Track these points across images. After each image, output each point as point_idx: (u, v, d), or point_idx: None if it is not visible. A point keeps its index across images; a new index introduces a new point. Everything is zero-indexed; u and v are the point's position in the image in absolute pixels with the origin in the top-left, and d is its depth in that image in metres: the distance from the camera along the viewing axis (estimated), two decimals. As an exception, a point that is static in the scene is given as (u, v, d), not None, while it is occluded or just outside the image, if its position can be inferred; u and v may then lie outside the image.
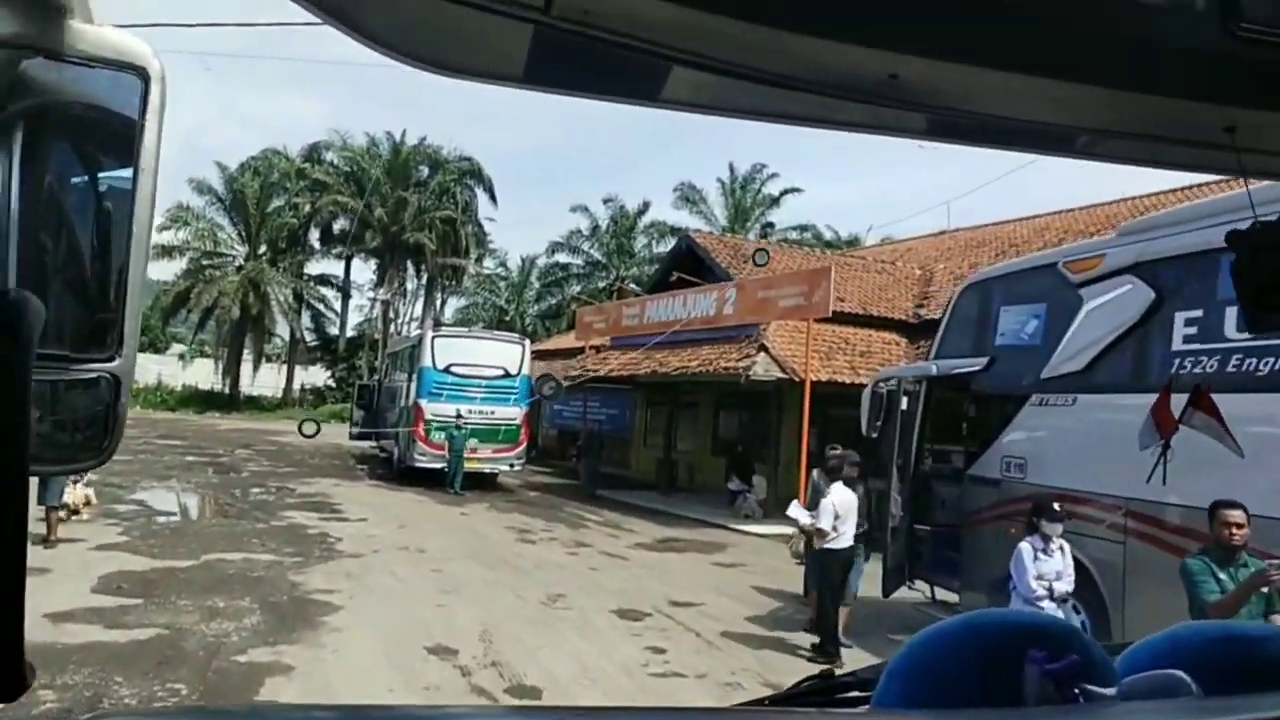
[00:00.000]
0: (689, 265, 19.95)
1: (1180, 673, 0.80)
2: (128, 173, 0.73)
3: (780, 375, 15.45)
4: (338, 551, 11.39)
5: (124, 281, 0.72)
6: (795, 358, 15.92)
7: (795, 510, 8.91)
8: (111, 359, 0.72)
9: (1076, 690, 0.77)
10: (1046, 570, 6.30)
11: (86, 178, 0.76)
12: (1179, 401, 5.90)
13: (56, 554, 9.70)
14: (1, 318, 0.48)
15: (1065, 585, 6.33)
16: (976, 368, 8.18)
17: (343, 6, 0.66)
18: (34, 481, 0.53)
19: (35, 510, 9.95)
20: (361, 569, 10.33)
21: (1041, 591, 6.22)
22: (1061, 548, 6.37)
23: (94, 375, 0.72)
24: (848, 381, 16.09)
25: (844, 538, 7.97)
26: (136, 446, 24.65)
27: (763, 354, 15.63)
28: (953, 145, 0.95)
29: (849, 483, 8.33)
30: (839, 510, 7.94)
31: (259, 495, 16.54)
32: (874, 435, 9.83)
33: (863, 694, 1.18)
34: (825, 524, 7.87)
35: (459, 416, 19.20)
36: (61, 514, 10.42)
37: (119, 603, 8.04)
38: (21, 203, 0.68)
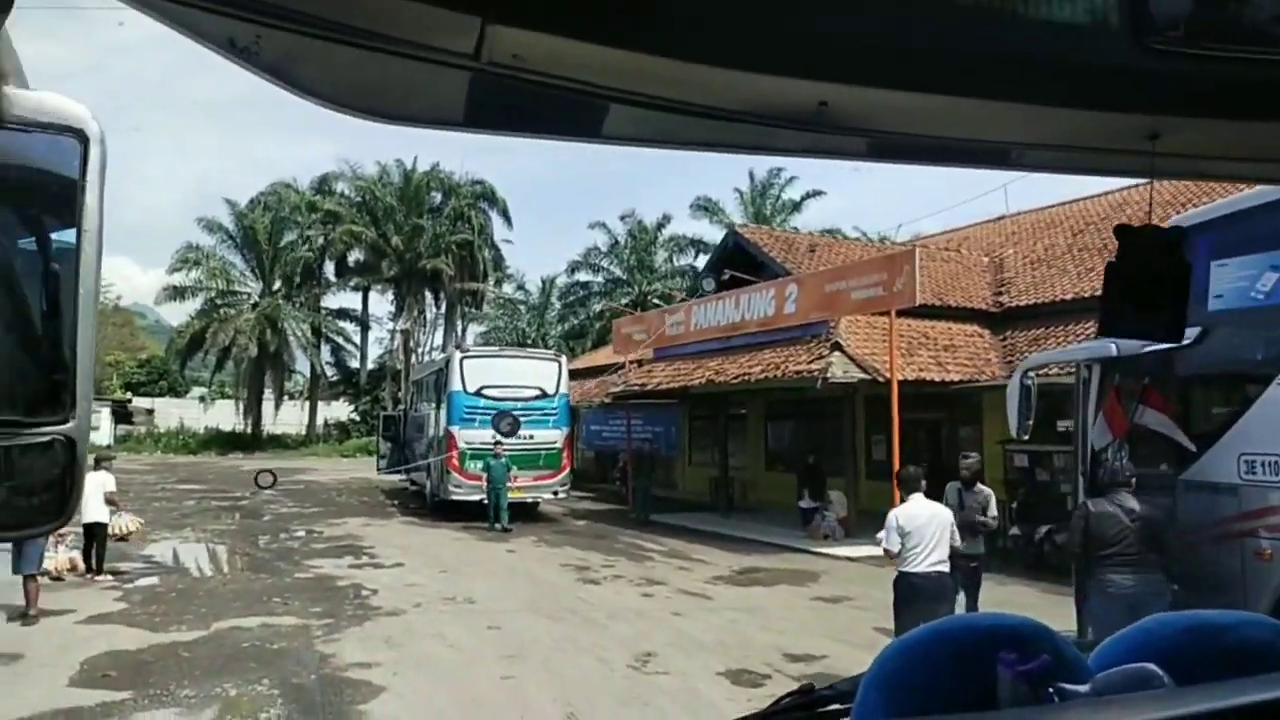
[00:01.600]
0: (739, 265, 18.15)
1: (1152, 665, 0.79)
2: (71, 235, 0.73)
3: (861, 376, 13.60)
4: (373, 608, 9.63)
5: (74, 343, 0.72)
6: (874, 356, 14.08)
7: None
8: (65, 421, 0.71)
9: (1050, 689, 0.77)
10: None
11: (31, 241, 0.76)
12: None
13: (35, 631, 8.03)
14: None
15: None
16: (1184, 342, 6.34)
17: (279, 65, 0.67)
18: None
19: (10, 578, 8.27)
20: (403, 631, 8.56)
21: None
22: None
23: (48, 438, 0.71)
24: (936, 379, 14.24)
25: (920, 559, 6.68)
26: (152, 494, 23.15)
27: (838, 353, 13.79)
28: (891, 165, 0.97)
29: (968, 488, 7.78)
30: (904, 525, 6.72)
31: (282, 541, 14.85)
32: (1025, 437, 8.10)
33: (843, 706, 1.19)
34: (890, 543, 6.79)
35: (497, 443, 17.41)
36: (44, 579, 8.74)
37: (101, 699, 6.30)
38: None
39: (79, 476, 0.74)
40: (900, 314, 13.68)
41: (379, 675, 7.03)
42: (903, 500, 7.08)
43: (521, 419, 18.58)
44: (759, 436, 23.54)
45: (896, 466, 12.81)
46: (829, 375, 13.27)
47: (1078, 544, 6.24)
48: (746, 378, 15.28)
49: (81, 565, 10.58)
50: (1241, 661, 0.82)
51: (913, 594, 6.72)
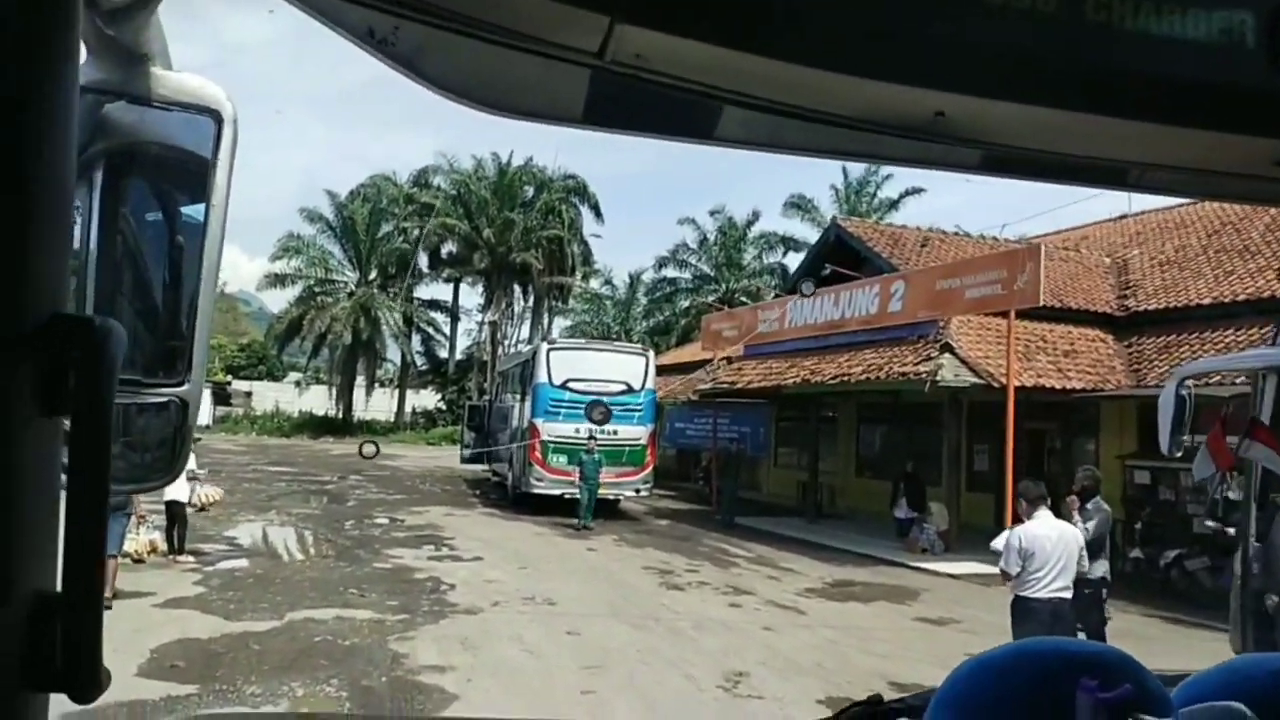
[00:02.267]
0: (840, 260, 17.21)
1: (1239, 705, 0.78)
2: (200, 209, 0.75)
3: (974, 380, 12.60)
4: (450, 605, 9.25)
5: (194, 311, 0.74)
6: (987, 360, 13.06)
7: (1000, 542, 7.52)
8: (181, 384, 0.74)
9: None
10: None
11: (161, 213, 0.79)
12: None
13: (112, 615, 7.84)
14: (88, 344, 0.49)
15: None
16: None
17: (408, 56, 0.69)
18: None
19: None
20: (480, 632, 8.12)
21: None
22: None
23: (164, 399, 0.74)
24: (1056, 386, 13.12)
25: (1040, 584, 6.03)
26: (244, 474, 23.61)
27: (948, 355, 12.82)
28: (1003, 180, 0.96)
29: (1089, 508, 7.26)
30: (1027, 546, 6.04)
31: (364, 528, 14.72)
32: (1178, 454, 7.15)
33: None
34: (1009, 564, 6.11)
35: (592, 439, 16.90)
36: (125, 560, 8.61)
37: (167, 691, 6.02)
38: (101, 235, 0.73)
39: (189, 436, 0.76)
40: (1016, 315, 12.63)
41: (452, 681, 6.59)
42: (1026, 518, 6.28)
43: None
44: (850, 440, 22.52)
45: (1010, 480, 11.82)
46: (939, 379, 12.33)
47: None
48: (846, 379, 14.43)
49: (163, 546, 10.53)
50: None
51: (1029, 619, 6.05)
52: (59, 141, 0.51)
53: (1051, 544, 6.05)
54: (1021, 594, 6.05)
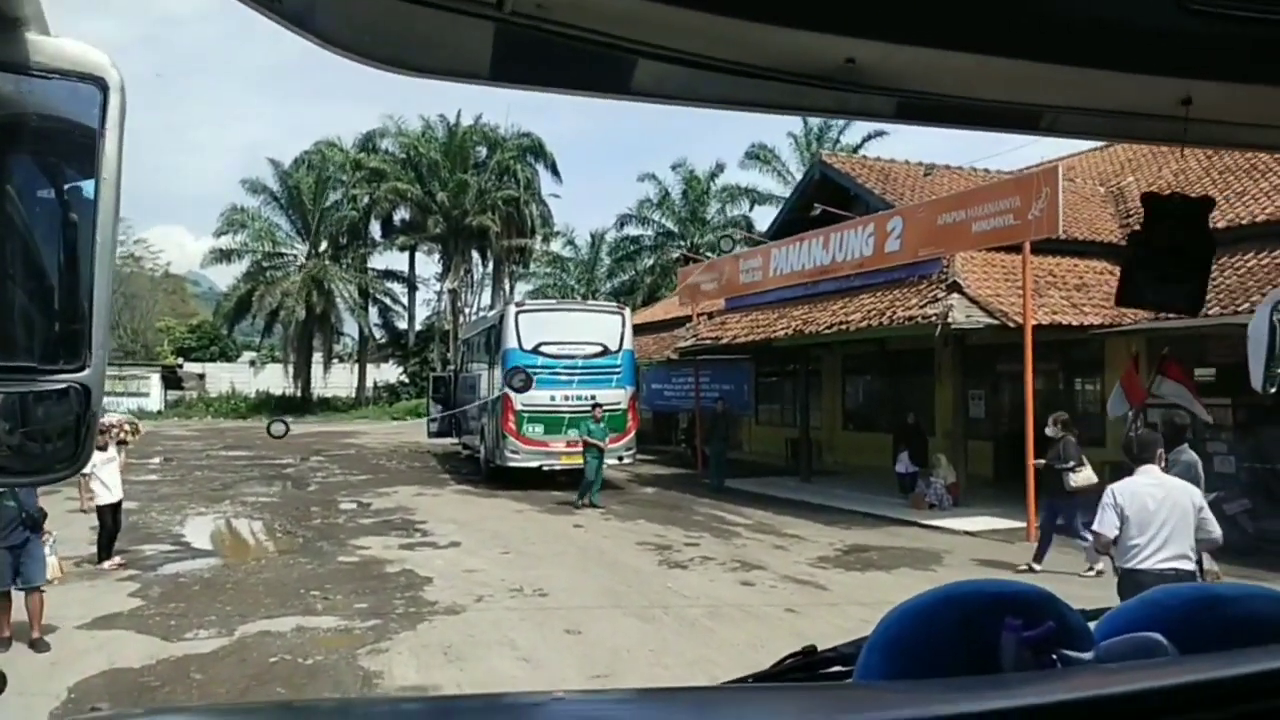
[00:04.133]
0: (826, 201, 16.07)
1: (1156, 635, 0.80)
2: (90, 183, 0.73)
3: (988, 320, 11.59)
4: (428, 604, 8.09)
5: (91, 292, 0.72)
6: (998, 298, 12.06)
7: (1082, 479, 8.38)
8: (81, 369, 0.72)
9: (1054, 656, 0.78)
10: None
11: (49, 189, 0.76)
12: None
13: (20, 652, 6.58)
14: None
15: None
16: None
17: (303, 15, 0.66)
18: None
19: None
20: (465, 638, 6.99)
21: None
22: None
23: (63, 386, 0.72)
24: (1072, 323, 12.19)
25: (1147, 554, 5.02)
26: (196, 461, 22.15)
27: (957, 295, 11.79)
28: (919, 127, 1.05)
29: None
30: (1125, 505, 5.06)
31: (326, 516, 13.47)
32: (1271, 388, 6.21)
33: (845, 669, 1.21)
34: (1103, 526, 5.14)
35: (597, 406, 15.60)
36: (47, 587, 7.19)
37: (79, 750, 4.82)
38: None
39: (93, 424, 0.74)
40: (1021, 250, 11.61)
41: (437, 707, 5.45)
42: (1132, 472, 5.27)
43: (581, 378, 16.92)
44: (835, 393, 21.68)
45: (1031, 426, 10.92)
46: (950, 320, 11.30)
47: None
48: (844, 327, 13.36)
49: (63, 573, 8.86)
50: (1247, 633, 0.82)
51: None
52: None
53: (1155, 503, 5.01)
54: (1126, 566, 5.02)
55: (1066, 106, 0.90)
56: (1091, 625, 0.87)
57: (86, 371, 0.72)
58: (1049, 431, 9.65)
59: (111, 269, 0.73)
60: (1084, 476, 9.32)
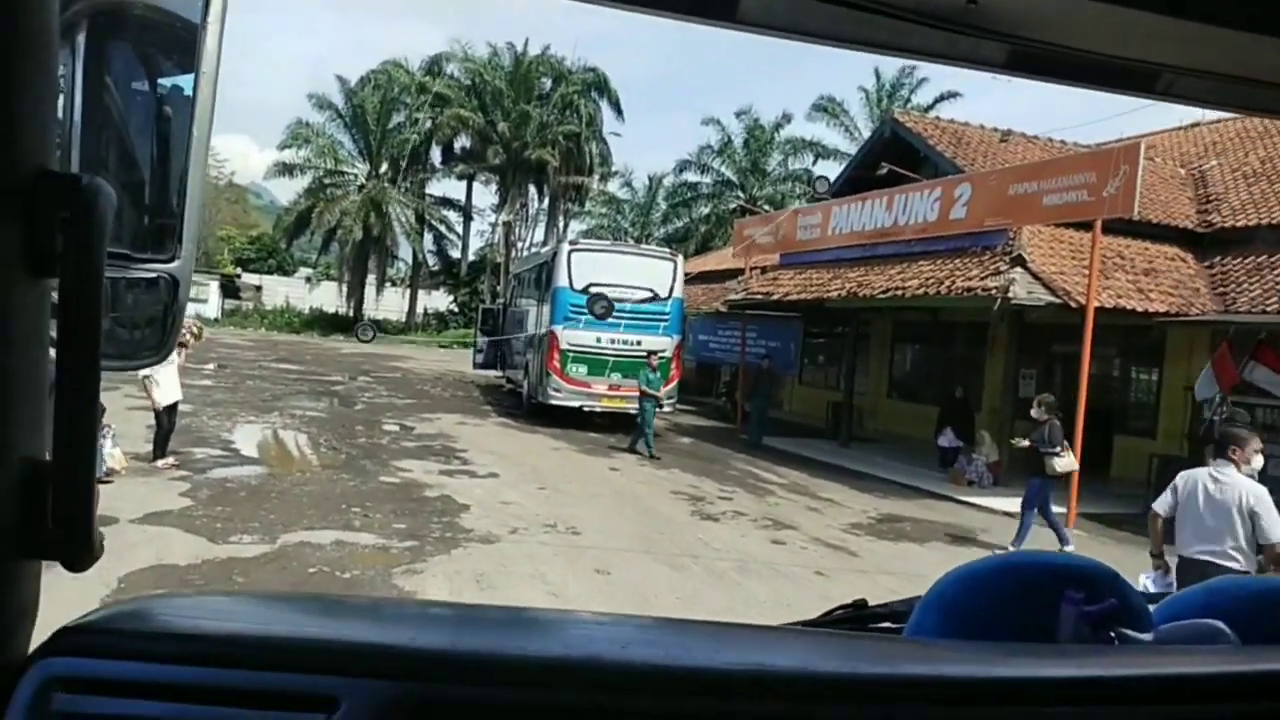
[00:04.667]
0: (894, 161, 15.64)
1: (1218, 622, 0.79)
2: (189, 77, 0.73)
3: (1050, 299, 11.29)
4: (464, 531, 8.28)
5: (184, 184, 0.72)
6: (1063, 276, 11.72)
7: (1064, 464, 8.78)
8: (170, 260, 0.73)
9: (1112, 634, 0.77)
10: None
11: (148, 81, 0.77)
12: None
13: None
14: (77, 203, 0.48)
15: None
16: None
17: None
18: None
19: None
20: (497, 568, 7.15)
21: None
22: None
23: (153, 275, 0.72)
24: (1136, 308, 11.82)
25: (1182, 541, 5.19)
26: (249, 371, 22.73)
27: (1020, 270, 11.48)
28: (1031, 81, 0.92)
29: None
30: (1180, 493, 5.18)
31: (371, 436, 13.78)
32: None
33: (895, 625, 1.20)
34: (1158, 503, 5.28)
35: (651, 354, 15.36)
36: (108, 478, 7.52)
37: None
38: (84, 103, 0.69)
39: (179, 315, 0.74)
40: (1089, 227, 11.21)
41: (466, 632, 5.61)
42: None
43: (629, 322, 16.91)
44: (882, 360, 21.37)
45: (1083, 410, 10.69)
46: (1010, 295, 11.03)
47: None
48: (899, 293, 13.12)
49: (126, 465, 9.19)
50: None
51: (1180, 578, 5.11)
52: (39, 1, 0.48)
53: (1205, 496, 5.03)
54: (1177, 551, 5.16)
55: (1185, 68, 0.86)
56: (1152, 609, 0.87)
57: (176, 263, 0.72)
58: (1034, 413, 9.56)
59: (205, 164, 0.74)
60: (1066, 462, 9.39)
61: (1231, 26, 0.71)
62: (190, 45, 0.71)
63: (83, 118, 0.69)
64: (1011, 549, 9.19)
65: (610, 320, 16.71)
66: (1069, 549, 8.81)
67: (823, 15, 0.77)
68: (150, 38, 0.75)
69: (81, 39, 0.69)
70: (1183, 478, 5.22)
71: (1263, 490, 4.96)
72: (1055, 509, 9.56)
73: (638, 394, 14.81)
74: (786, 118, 44.18)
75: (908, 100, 41.18)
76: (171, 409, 9.75)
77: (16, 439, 0.47)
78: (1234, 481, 5.01)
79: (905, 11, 0.75)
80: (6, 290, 0.46)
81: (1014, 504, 11.97)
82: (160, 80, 0.76)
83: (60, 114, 0.64)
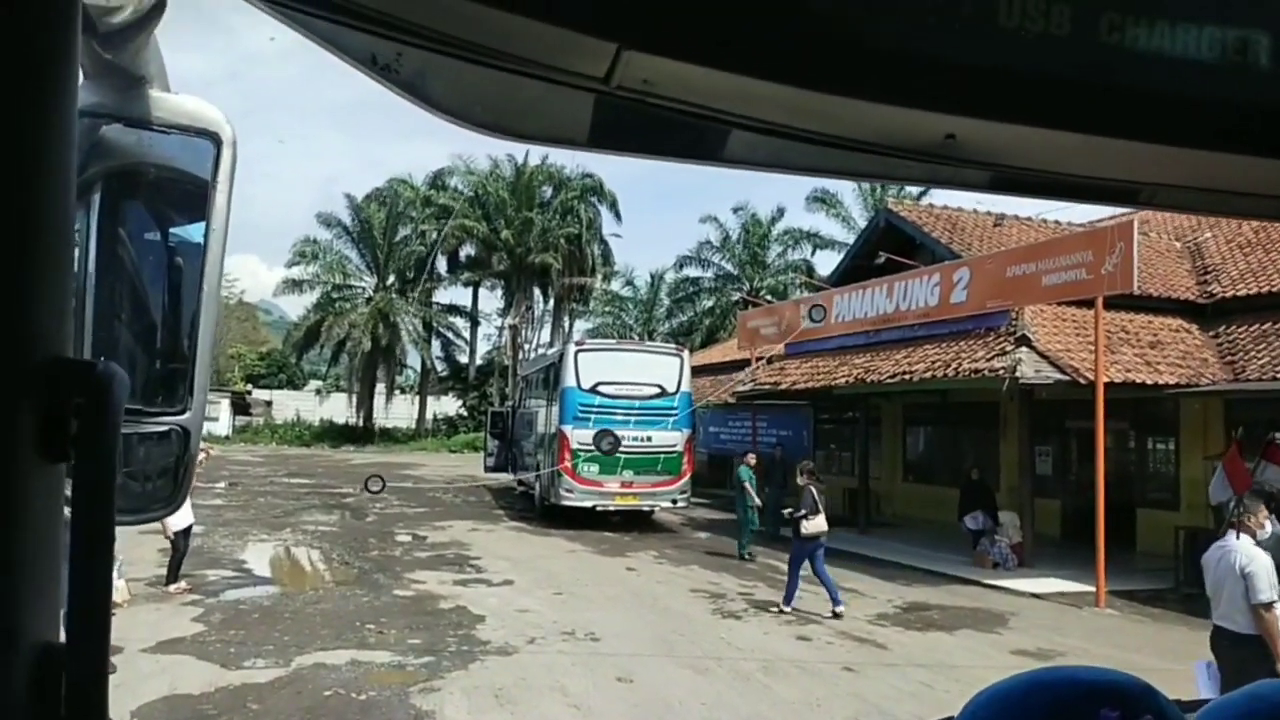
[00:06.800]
0: (890, 250, 15.91)
1: None
2: (199, 232, 0.74)
3: (1058, 376, 11.30)
4: (481, 643, 8.10)
5: (194, 337, 0.73)
6: (1068, 353, 11.76)
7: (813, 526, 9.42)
8: (182, 412, 0.73)
9: None
10: None
11: (160, 236, 0.78)
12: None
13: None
14: (91, 389, 0.49)
15: None
16: None
17: (411, 81, 0.69)
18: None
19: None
20: (516, 682, 6.96)
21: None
22: None
23: (165, 428, 0.72)
24: (1146, 381, 11.80)
25: (1213, 609, 5.29)
26: (260, 487, 22.66)
27: (1026, 349, 11.53)
28: (1014, 198, 1.10)
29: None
30: (1205, 567, 5.28)
31: (384, 548, 13.63)
32: None
33: None
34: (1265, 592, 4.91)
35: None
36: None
37: (139, 776, 4.90)
38: (98, 259, 0.71)
39: (191, 465, 0.75)
40: (1092, 304, 11.30)
41: (487, 752, 5.43)
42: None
43: (638, 419, 16.93)
44: (895, 444, 21.27)
45: (1102, 485, 10.57)
46: (1018, 375, 11.04)
47: None
48: (907, 377, 13.16)
49: (129, 596, 9.11)
50: None
51: (1212, 649, 5.18)
52: (59, 170, 0.48)
53: (1214, 564, 5.15)
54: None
55: (1164, 184, 0.88)
56: (1190, 718, 0.83)
57: (187, 415, 0.73)
58: (799, 480, 10.56)
59: (215, 316, 0.75)
60: (815, 524, 10.06)
61: (1206, 149, 0.73)
62: (202, 201, 0.74)
63: (97, 274, 0.71)
64: (786, 609, 9.93)
65: (620, 416, 16.74)
66: (840, 610, 9.71)
67: (808, 152, 0.78)
68: (162, 196, 0.77)
69: (96, 199, 0.72)
70: (1206, 554, 5.34)
71: (1258, 552, 5.03)
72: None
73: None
74: (781, 211, 45.28)
75: (901, 189, 42.10)
76: (185, 533, 9.70)
77: (28, 624, 0.47)
78: (1234, 547, 5.08)
79: (887, 149, 0.76)
80: (21, 476, 0.46)
81: (1041, 585, 11.75)
82: (173, 234, 0.78)
83: (75, 269, 0.64)
